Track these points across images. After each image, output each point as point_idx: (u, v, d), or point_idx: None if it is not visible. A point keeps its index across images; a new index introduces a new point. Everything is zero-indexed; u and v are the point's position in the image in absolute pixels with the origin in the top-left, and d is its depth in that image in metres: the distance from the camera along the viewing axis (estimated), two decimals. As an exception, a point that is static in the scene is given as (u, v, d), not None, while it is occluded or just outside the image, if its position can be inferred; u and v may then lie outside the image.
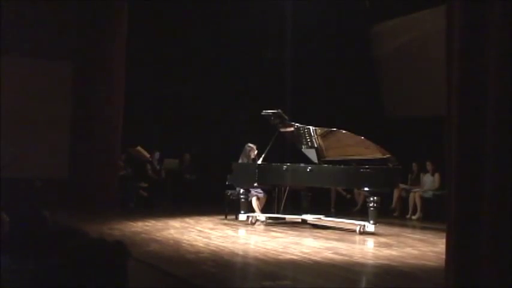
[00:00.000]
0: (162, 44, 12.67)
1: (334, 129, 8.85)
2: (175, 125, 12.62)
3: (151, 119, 12.57)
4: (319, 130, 9.03)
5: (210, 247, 6.62)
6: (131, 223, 8.58)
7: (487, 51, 4.00)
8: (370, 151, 8.54)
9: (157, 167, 12.12)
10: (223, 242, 7.04)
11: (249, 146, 9.71)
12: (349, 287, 5.04)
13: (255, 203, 9.49)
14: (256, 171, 9.11)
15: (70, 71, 11.23)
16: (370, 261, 6.19)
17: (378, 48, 13.30)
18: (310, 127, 9.07)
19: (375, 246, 7.22)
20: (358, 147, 8.70)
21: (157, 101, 12.76)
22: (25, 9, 10.58)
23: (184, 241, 7.00)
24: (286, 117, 9.30)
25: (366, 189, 8.37)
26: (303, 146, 9.46)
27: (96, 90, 10.99)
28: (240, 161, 9.64)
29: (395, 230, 8.87)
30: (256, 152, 9.65)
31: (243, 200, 9.29)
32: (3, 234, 2.92)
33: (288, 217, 9.43)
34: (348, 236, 7.99)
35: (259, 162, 9.24)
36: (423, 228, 9.36)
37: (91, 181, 10.69)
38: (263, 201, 9.74)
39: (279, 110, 9.22)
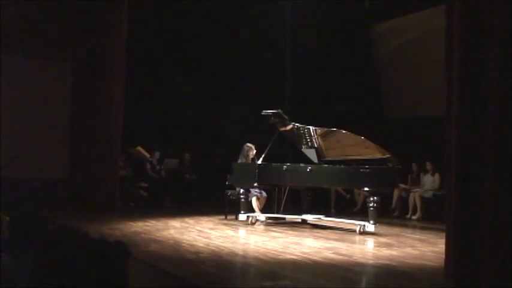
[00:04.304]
0: (162, 44, 12.67)
1: (334, 129, 8.85)
2: (175, 125, 12.62)
3: (151, 119, 12.57)
4: (319, 130, 9.04)
5: (210, 247, 6.62)
6: (131, 223, 8.57)
7: (487, 51, 4.00)
8: (370, 151, 8.54)
9: (157, 167, 12.12)
10: (223, 242, 7.04)
11: (248, 146, 9.71)
12: (349, 287, 5.04)
13: (255, 203, 9.49)
14: (256, 171, 9.10)
15: (70, 71, 11.23)
16: (370, 261, 6.18)
17: (378, 48, 13.30)
18: (310, 127, 9.07)
19: (375, 246, 7.22)
20: (358, 147, 8.70)
21: (157, 101, 12.76)
22: (25, 9, 10.58)
23: (184, 241, 7.00)
24: (286, 117, 9.30)
25: (366, 189, 8.36)
26: (303, 146, 9.46)
27: (96, 90, 10.99)
28: (239, 161, 9.64)
29: (395, 230, 8.87)
30: (254, 151, 9.65)
31: (243, 200, 9.29)
32: (3, 234, 2.92)
33: (288, 217, 9.43)
34: (348, 236, 7.99)
35: (259, 162, 9.24)
36: (423, 228, 9.36)
37: (91, 181, 10.69)
38: (263, 201, 9.74)
39: (279, 110, 9.22)
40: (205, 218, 9.50)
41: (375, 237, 7.86)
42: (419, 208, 10.76)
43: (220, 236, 7.60)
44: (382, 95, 13.38)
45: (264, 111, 9.23)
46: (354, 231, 8.19)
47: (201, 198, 11.75)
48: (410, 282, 5.23)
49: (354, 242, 7.52)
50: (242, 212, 9.25)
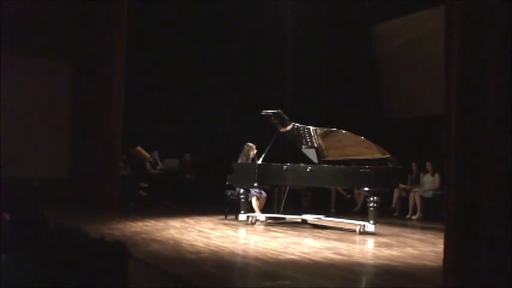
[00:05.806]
0: (161, 44, 12.67)
1: (334, 129, 8.85)
2: (175, 125, 12.61)
3: (151, 119, 12.56)
4: (319, 130, 9.04)
5: (210, 247, 6.62)
6: (131, 223, 8.58)
7: (487, 51, 4.00)
8: (370, 151, 8.54)
9: (157, 167, 12.12)
10: (223, 242, 7.04)
11: (248, 146, 9.72)
12: (349, 287, 5.04)
13: (255, 203, 9.49)
14: (256, 171, 9.10)
15: (70, 71, 11.23)
16: (370, 261, 6.18)
17: (378, 48, 13.30)
18: (310, 127, 9.07)
19: (375, 246, 7.22)
20: (358, 147, 8.70)
21: (158, 101, 12.74)
22: (25, 9, 10.57)
23: (184, 241, 7.00)
24: (286, 117, 9.30)
25: (366, 189, 8.37)
26: (303, 146, 9.46)
27: (96, 90, 10.99)
28: (239, 160, 9.64)
29: (395, 230, 8.87)
30: (255, 151, 9.66)
31: (243, 200, 9.29)
32: (3, 234, 2.92)
33: (288, 217, 9.43)
34: (348, 236, 7.99)
35: (259, 162, 9.24)
36: (423, 228, 9.35)
37: (91, 181, 10.69)
38: (263, 201, 9.74)
39: (279, 110, 9.22)
40: (205, 218, 9.50)
41: (375, 237, 7.86)
42: (419, 208, 10.76)
43: (220, 236, 7.60)
44: (382, 95, 13.37)
45: (264, 111, 9.23)
46: (354, 231, 8.19)
47: (201, 198, 11.75)
48: (410, 282, 5.23)
49: (354, 242, 7.52)
50: (242, 212, 9.25)
